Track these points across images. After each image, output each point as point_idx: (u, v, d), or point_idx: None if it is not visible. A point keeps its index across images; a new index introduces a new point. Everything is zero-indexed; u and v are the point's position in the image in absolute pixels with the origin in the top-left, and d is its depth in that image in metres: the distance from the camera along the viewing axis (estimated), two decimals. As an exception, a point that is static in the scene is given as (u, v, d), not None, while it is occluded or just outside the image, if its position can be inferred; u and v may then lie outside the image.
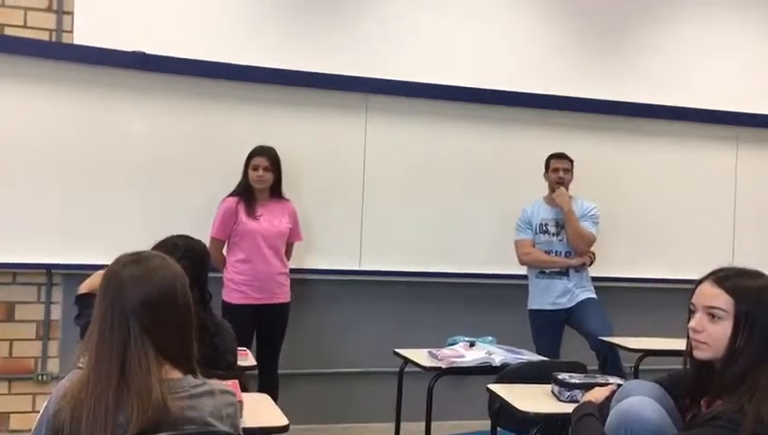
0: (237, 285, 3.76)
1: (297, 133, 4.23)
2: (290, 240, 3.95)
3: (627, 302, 4.64)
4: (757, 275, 1.72)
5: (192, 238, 2.53)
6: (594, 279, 4.26)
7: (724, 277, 1.72)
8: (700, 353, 1.72)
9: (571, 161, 4.23)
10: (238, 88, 4.15)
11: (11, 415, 3.84)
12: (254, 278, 3.76)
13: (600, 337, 3.84)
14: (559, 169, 4.20)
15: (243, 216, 3.78)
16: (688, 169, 4.90)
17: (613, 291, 4.54)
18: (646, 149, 4.83)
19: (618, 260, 4.62)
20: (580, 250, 4.13)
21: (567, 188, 4.20)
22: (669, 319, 4.60)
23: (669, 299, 4.65)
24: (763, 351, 1.62)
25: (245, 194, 3.82)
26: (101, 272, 1.67)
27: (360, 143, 4.36)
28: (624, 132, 4.80)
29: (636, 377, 3.53)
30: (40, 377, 3.94)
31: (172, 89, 4.06)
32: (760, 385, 1.59)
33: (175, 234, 2.52)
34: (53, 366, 3.97)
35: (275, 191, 3.90)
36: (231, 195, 3.84)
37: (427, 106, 4.43)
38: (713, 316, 1.70)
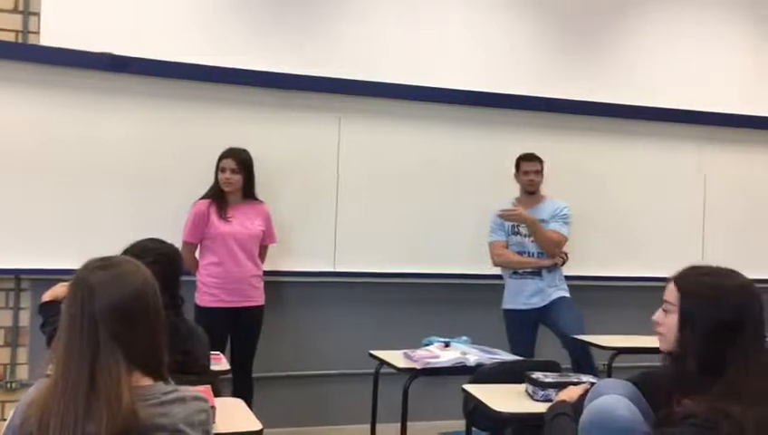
0: (210, 288, 3.73)
1: (271, 135, 4.20)
2: (263, 243, 3.92)
3: (600, 300, 4.68)
4: (726, 274, 1.73)
5: (163, 242, 2.50)
6: (567, 278, 4.29)
7: (683, 274, 1.76)
8: (660, 345, 1.78)
9: (541, 162, 4.25)
10: (210, 90, 4.11)
11: (-21, 424, 3.77)
12: (227, 281, 3.73)
13: (573, 336, 3.87)
14: (529, 171, 4.22)
15: (214, 218, 3.75)
16: (660, 168, 4.96)
17: (586, 290, 4.57)
18: (619, 149, 4.88)
19: (590, 259, 4.66)
20: (549, 252, 4.15)
21: (538, 189, 4.22)
22: (642, 317, 4.66)
23: (642, 297, 4.68)
24: (709, 349, 1.64)
25: (217, 197, 3.79)
26: (65, 283, 1.64)
27: (333, 145, 4.34)
28: (597, 132, 4.84)
29: (609, 375, 3.56)
30: (9, 384, 3.87)
31: (143, 91, 4.01)
32: (727, 384, 1.61)
33: (146, 238, 2.49)
34: (23, 373, 3.90)
35: (248, 193, 3.87)
36: (203, 198, 3.81)
37: (402, 108, 4.43)
38: (665, 310, 1.75)
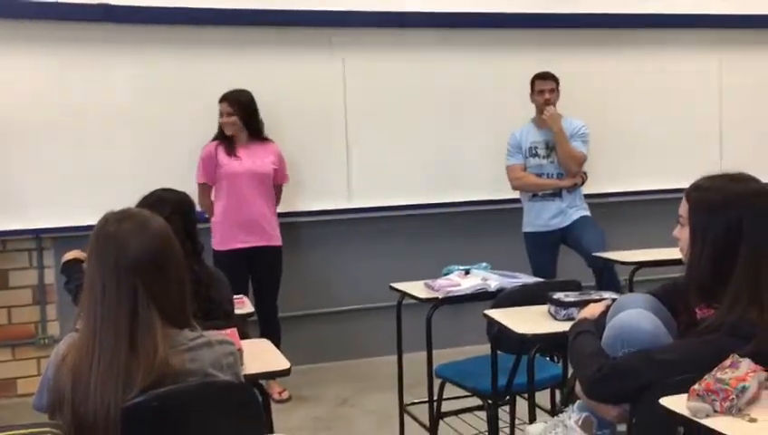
0: (225, 229, 3.75)
1: (273, 75, 4.15)
2: (276, 182, 3.92)
3: (619, 216, 4.66)
4: (737, 179, 1.73)
5: (175, 190, 2.49)
6: (585, 196, 4.26)
7: (694, 186, 1.76)
8: (682, 258, 1.79)
9: (556, 80, 4.17)
10: (207, 32, 4.05)
11: (17, 380, 3.88)
12: (241, 220, 3.75)
13: (595, 253, 3.88)
14: (544, 90, 4.14)
15: (223, 157, 3.76)
16: (673, 76, 4.84)
17: (604, 207, 4.56)
18: (630, 60, 4.77)
19: (607, 175, 4.61)
20: (571, 171, 4.11)
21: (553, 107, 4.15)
22: (662, 230, 4.64)
23: (661, 210, 4.67)
24: (718, 257, 1.66)
25: (224, 138, 3.79)
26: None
27: (339, 79, 4.28)
28: (607, 45, 4.73)
29: (631, 290, 3.57)
30: (42, 341, 3.97)
31: (141, 39, 3.96)
32: (740, 290, 1.62)
33: (158, 188, 2.48)
34: (54, 329, 3.99)
35: (253, 133, 3.85)
36: (212, 140, 3.81)
37: (405, 35, 4.34)
38: (681, 223, 1.76)
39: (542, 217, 4.16)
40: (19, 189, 3.80)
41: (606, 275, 3.92)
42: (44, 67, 3.84)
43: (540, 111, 4.17)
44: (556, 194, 4.15)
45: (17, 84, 3.80)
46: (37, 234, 3.93)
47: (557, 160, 4.13)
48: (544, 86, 4.14)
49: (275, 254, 3.87)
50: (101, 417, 1.45)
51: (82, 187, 3.87)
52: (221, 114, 3.78)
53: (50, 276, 3.99)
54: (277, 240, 3.87)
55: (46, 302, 3.99)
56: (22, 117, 3.80)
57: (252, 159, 3.80)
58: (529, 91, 4.20)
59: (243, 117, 3.79)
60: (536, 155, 4.17)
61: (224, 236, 3.75)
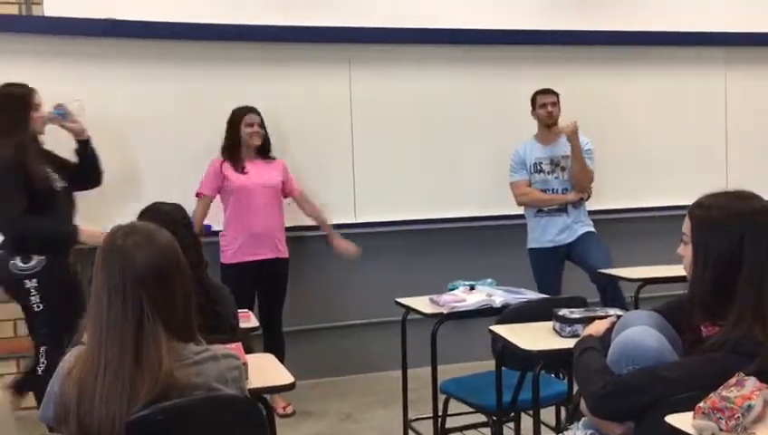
0: (233, 242, 3.76)
1: (280, 90, 4.18)
2: (288, 195, 3.95)
3: (623, 233, 4.65)
4: (739, 197, 1.74)
5: (174, 203, 2.50)
6: (589, 212, 4.27)
7: (697, 204, 1.77)
8: (687, 275, 1.79)
9: (557, 95, 4.19)
10: (217, 48, 4.08)
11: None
12: (249, 233, 3.76)
13: (600, 270, 3.87)
14: (546, 103, 4.16)
15: (230, 173, 3.78)
16: (678, 93, 4.86)
17: (609, 223, 4.55)
18: (635, 77, 4.79)
19: (613, 192, 4.61)
20: (582, 187, 4.12)
21: (556, 123, 4.17)
22: (667, 247, 4.62)
23: (666, 227, 4.65)
24: (719, 276, 1.66)
25: (231, 153, 3.81)
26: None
27: (345, 95, 4.31)
28: (612, 62, 4.75)
29: (636, 306, 3.56)
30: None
31: (147, 54, 3.99)
32: (744, 309, 1.62)
33: (157, 202, 2.48)
34: (59, 342, 3.99)
35: (263, 151, 3.88)
36: (220, 155, 3.84)
37: (412, 52, 4.37)
38: (684, 241, 1.77)
39: (549, 232, 4.17)
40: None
41: (610, 292, 3.91)
42: (50, 81, 3.85)
43: (544, 125, 4.18)
44: (562, 209, 4.16)
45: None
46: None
47: (562, 176, 4.14)
48: (546, 99, 4.16)
49: (284, 266, 3.89)
50: (106, 430, 1.46)
51: (92, 200, 3.88)
52: (251, 124, 3.80)
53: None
54: (285, 253, 3.89)
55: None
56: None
57: (259, 174, 3.82)
58: (530, 108, 4.22)
59: (265, 132, 3.86)
60: (541, 171, 4.18)
61: (231, 249, 3.77)
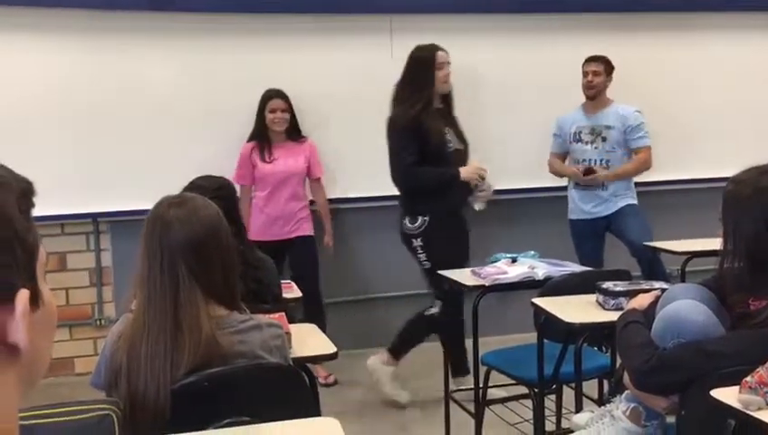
0: (255, 221, 3.86)
1: (320, 62, 4.17)
2: (312, 177, 4.01)
3: (670, 204, 4.56)
4: None
5: (214, 176, 2.54)
6: (637, 184, 4.18)
7: (730, 180, 1.79)
8: None
9: (606, 63, 4.06)
10: (254, 21, 4.07)
11: (75, 359, 4.01)
12: (271, 218, 3.88)
13: (643, 242, 3.81)
14: (588, 72, 4.04)
15: (257, 161, 3.87)
16: (733, 61, 4.69)
17: (655, 195, 4.46)
18: (686, 45, 4.63)
19: (661, 163, 4.49)
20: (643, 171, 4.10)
21: (600, 93, 4.04)
22: (715, 219, 4.53)
23: (714, 198, 4.55)
24: (751, 249, 1.63)
25: (260, 138, 3.89)
26: None
27: (386, 66, 4.27)
28: (664, 29, 4.59)
29: (683, 280, 3.50)
30: (97, 322, 4.10)
31: (184, 28, 4.01)
32: None
33: (197, 176, 2.52)
34: (110, 310, 4.11)
35: (292, 132, 3.93)
36: (249, 140, 3.91)
37: (453, 21, 4.30)
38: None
39: (585, 204, 4.10)
40: (77, 175, 3.91)
41: (652, 265, 3.84)
42: (88, 56, 3.92)
43: (584, 95, 4.10)
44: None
45: (68, 72, 3.89)
46: (94, 218, 4.05)
47: (602, 146, 4.04)
48: (588, 68, 4.05)
49: (306, 242, 3.95)
50: (152, 392, 1.51)
51: (137, 173, 3.96)
52: (274, 110, 3.84)
53: (106, 259, 4.11)
54: (308, 230, 3.96)
55: (102, 284, 4.11)
56: (77, 105, 3.90)
57: (285, 160, 3.89)
58: (577, 77, 4.12)
59: (292, 114, 3.89)
60: (580, 141, 4.10)
61: (256, 226, 3.83)
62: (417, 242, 3.52)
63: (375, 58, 4.24)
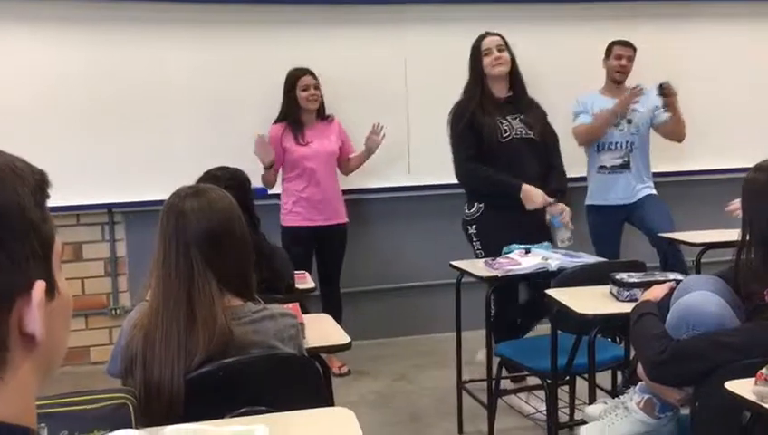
0: (294, 207, 3.79)
1: (335, 51, 4.16)
2: (345, 156, 3.95)
3: (686, 195, 4.52)
4: None
5: (229, 168, 2.56)
6: (654, 175, 4.13)
7: (751, 169, 1.73)
8: None
9: (634, 49, 4.00)
10: (269, 11, 4.08)
11: (90, 348, 4.05)
12: (311, 202, 3.79)
13: (660, 233, 3.78)
14: (623, 56, 3.97)
15: (291, 144, 3.77)
16: (754, 50, 4.64)
17: (672, 185, 4.43)
18: (707, 35, 4.59)
19: (677, 153, 4.45)
20: (682, 136, 4.02)
21: (624, 80, 3.99)
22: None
23: (731, 189, 4.50)
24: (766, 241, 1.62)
25: (291, 119, 3.78)
26: None
27: (400, 56, 4.27)
28: (687, 17, 4.56)
29: (698, 271, 3.48)
30: (113, 311, 4.13)
31: (203, 19, 4.02)
32: None
33: (213, 167, 2.55)
34: (125, 300, 4.15)
35: (321, 111, 3.88)
36: (276, 122, 3.82)
37: (468, 11, 4.28)
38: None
39: (611, 190, 4.02)
40: (92, 166, 3.93)
41: (671, 257, 3.81)
42: (107, 47, 3.94)
43: (612, 79, 4.03)
44: (625, 165, 3.99)
45: (82, 66, 3.90)
46: (109, 208, 4.08)
47: (627, 129, 3.98)
48: (624, 52, 3.98)
49: (342, 231, 3.92)
50: (167, 381, 1.52)
51: (151, 163, 3.99)
52: (306, 88, 3.74)
53: (121, 249, 4.14)
54: (344, 217, 3.93)
55: (117, 274, 4.15)
56: (92, 96, 3.92)
57: (320, 141, 3.82)
58: (594, 67, 4.08)
59: (320, 93, 3.82)
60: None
61: (292, 213, 3.79)
62: (472, 229, 3.44)
63: (389, 48, 4.24)
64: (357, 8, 4.18)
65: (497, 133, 3.37)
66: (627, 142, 4.00)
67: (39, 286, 0.64)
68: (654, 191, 4.08)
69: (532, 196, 3.28)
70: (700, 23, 4.60)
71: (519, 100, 3.49)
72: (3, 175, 0.64)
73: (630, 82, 4.05)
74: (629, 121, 4.00)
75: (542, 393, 2.89)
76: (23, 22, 3.83)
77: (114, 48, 3.94)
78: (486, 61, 3.43)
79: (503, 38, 3.48)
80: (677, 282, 1.99)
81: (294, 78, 3.77)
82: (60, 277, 0.69)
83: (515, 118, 3.43)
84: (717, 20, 4.60)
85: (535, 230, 3.26)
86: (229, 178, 2.45)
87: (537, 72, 4.34)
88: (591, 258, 3.06)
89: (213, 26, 4.05)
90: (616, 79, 4.02)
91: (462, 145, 3.40)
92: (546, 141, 3.47)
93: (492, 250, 3.17)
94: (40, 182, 0.68)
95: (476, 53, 3.47)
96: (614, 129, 3.99)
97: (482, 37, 3.50)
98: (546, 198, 3.30)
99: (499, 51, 3.43)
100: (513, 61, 3.48)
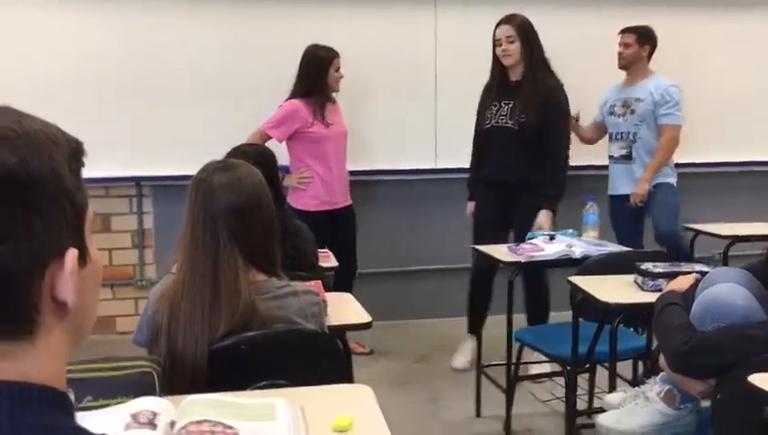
0: (313, 190, 3.73)
1: (365, 32, 4.15)
2: None
3: (714, 187, 4.46)
4: None
5: (258, 144, 2.58)
6: (678, 166, 4.06)
7: None
8: None
9: (639, 35, 3.90)
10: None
11: (116, 318, 4.12)
12: (331, 183, 3.75)
13: (664, 230, 3.70)
14: (621, 43, 3.92)
15: (316, 122, 3.67)
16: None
17: (697, 177, 4.37)
18: (729, 21, 4.49)
19: (704, 144, 4.39)
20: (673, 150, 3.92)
21: (633, 63, 3.91)
22: (761, 203, 4.42)
23: (761, 182, 4.45)
24: None
25: (318, 98, 3.69)
26: None
27: (430, 38, 4.24)
28: (705, 4, 4.46)
29: (725, 264, 3.43)
30: (139, 282, 4.20)
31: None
32: None
33: (241, 143, 2.57)
34: (150, 272, 4.21)
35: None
36: (296, 97, 3.69)
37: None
38: None
39: (618, 180, 4.00)
40: (121, 139, 3.97)
41: (678, 255, 3.69)
42: (145, 22, 3.97)
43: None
44: (627, 157, 3.95)
45: (112, 41, 3.94)
46: (137, 181, 4.13)
47: (631, 119, 3.92)
48: (620, 38, 3.94)
49: (352, 212, 3.91)
50: (190, 351, 1.55)
51: (180, 138, 4.02)
52: (338, 69, 3.70)
53: (148, 222, 4.20)
54: (350, 199, 3.90)
55: (144, 246, 4.21)
56: (125, 72, 3.95)
57: (338, 121, 3.80)
58: (616, 53, 4.00)
59: None
60: (613, 113, 4.01)
61: (310, 196, 3.73)
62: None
63: (419, 30, 4.21)
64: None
65: (482, 120, 3.59)
66: (629, 133, 3.94)
67: (72, 254, 0.66)
68: (667, 179, 3.93)
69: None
70: (734, 9, 4.49)
71: (525, 84, 3.51)
72: (39, 141, 0.65)
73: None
74: (632, 112, 3.93)
75: (560, 380, 2.89)
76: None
77: (146, 26, 3.97)
78: (498, 50, 3.53)
79: (516, 26, 3.51)
80: (703, 274, 1.97)
81: (328, 59, 3.69)
82: (91, 245, 0.70)
83: (508, 104, 3.52)
84: (738, 8, 4.49)
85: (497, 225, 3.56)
86: (258, 155, 2.46)
87: (560, 57, 4.30)
88: (616, 247, 3.04)
89: (243, 5, 4.05)
90: (618, 66, 3.96)
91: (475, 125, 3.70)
92: (539, 130, 3.43)
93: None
94: (75, 151, 0.69)
95: (493, 40, 3.57)
96: (620, 119, 3.96)
97: (496, 25, 3.57)
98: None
99: (508, 42, 3.49)
100: (529, 46, 3.49)
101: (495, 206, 3.57)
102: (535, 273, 3.42)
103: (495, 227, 3.52)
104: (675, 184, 3.97)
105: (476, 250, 3.22)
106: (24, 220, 0.63)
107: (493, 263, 3.09)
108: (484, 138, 3.61)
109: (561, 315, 3.28)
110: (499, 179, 3.54)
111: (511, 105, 3.51)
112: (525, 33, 3.49)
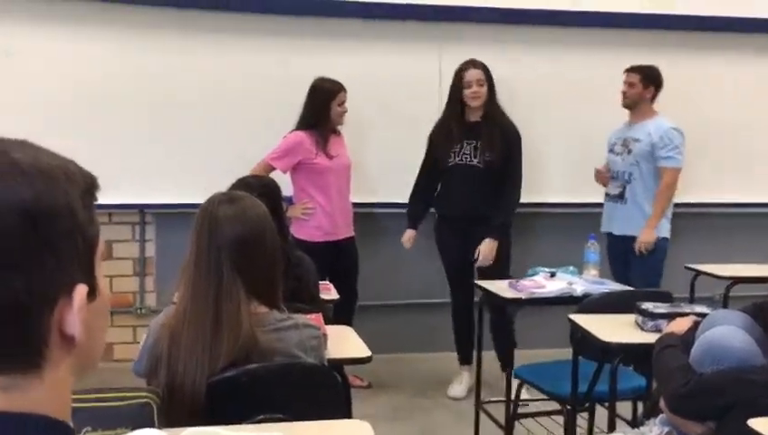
0: (316, 221, 3.74)
1: (370, 67, 4.19)
2: None
3: (712, 229, 4.47)
4: None
5: (263, 176, 2.60)
6: (677, 205, 4.05)
7: None
8: None
9: (643, 75, 3.89)
10: (304, 23, 4.13)
11: (114, 346, 4.10)
12: (334, 215, 3.76)
13: (686, 265, 3.68)
14: (624, 82, 3.92)
15: (319, 153, 3.69)
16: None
17: (698, 217, 4.38)
18: (730, 65, 4.54)
19: (702, 185, 4.41)
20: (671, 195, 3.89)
21: (637, 103, 3.90)
22: (761, 245, 4.43)
23: (760, 224, 4.46)
24: None
25: (320, 131, 3.72)
26: None
27: (434, 74, 4.29)
28: (710, 48, 4.51)
29: (725, 305, 3.43)
30: (139, 310, 4.19)
31: (240, 28, 4.08)
32: None
33: (246, 175, 2.59)
34: (151, 300, 4.20)
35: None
36: (300, 129, 3.72)
37: (500, 32, 4.30)
38: None
39: (611, 220, 3.98)
40: (125, 167, 3.98)
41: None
42: (143, 51, 4.01)
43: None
44: (619, 196, 3.93)
45: (121, 66, 3.98)
46: (141, 209, 4.15)
47: (628, 160, 3.91)
48: (624, 78, 3.93)
49: (354, 243, 3.91)
50: (189, 382, 1.55)
51: (184, 167, 4.05)
52: (342, 103, 3.74)
53: (150, 250, 4.20)
54: (352, 230, 3.91)
55: (145, 274, 4.21)
56: (128, 98, 3.99)
57: (341, 154, 3.81)
58: (617, 92, 4.00)
59: None
60: (613, 151, 4.01)
61: (313, 227, 3.73)
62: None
63: (422, 66, 4.26)
64: (392, 23, 4.20)
65: (446, 158, 3.73)
66: (625, 172, 3.92)
67: (81, 290, 0.66)
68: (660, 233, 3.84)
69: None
70: (736, 54, 4.55)
71: (485, 125, 3.72)
72: (56, 177, 0.66)
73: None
74: (629, 152, 3.92)
75: (560, 419, 2.87)
76: (66, 21, 3.92)
77: (152, 55, 4.02)
78: (466, 92, 3.69)
79: (485, 71, 3.72)
80: (703, 315, 1.97)
81: (332, 92, 3.73)
82: (100, 278, 0.71)
83: (471, 144, 3.70)
84: (755, 52, 4.56)
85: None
86: (262, 186, 2.48)
87: (561, 96, 4.35)
88: (617, 286, 3.04)
89: (250, 36, 4.11)
90: (622, 105, 3.97)
91: (422, 163, 3.86)
92: (501, 168, 3.69)
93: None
94: (90, 186, 0.70)
95: (458, 82, 3.72)
96: (617, 157, 3.96)
97: (465, 68, 3.72)
98: None
99: (479, 85, 3.68)
100: (492, 89, 3.74)
101: (456, 240, 3.81)
102: (499, 308, 3.45)
103: (462, 260, 3.79)
104: (665, 232, 3.87)
105: (451, 285, 3.30)
106: (36, 255, 0.64)
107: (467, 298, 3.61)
108: (446, 175, 3.78)
109: (560, 353, 3.27)
110: (459, 215, 3.75)
111: (474, 144, 3.69)
112: (490, 77, 3.74)
